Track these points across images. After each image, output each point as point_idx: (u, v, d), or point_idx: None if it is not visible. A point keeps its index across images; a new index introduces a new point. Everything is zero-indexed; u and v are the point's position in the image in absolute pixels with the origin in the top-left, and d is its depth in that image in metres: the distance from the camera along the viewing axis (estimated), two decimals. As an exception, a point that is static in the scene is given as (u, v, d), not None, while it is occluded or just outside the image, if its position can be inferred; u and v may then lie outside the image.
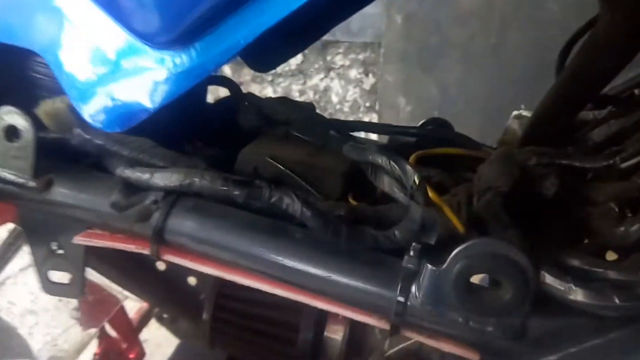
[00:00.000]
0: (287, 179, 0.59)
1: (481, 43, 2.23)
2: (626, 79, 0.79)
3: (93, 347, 1.17)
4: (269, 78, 2.75)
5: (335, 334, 0.64)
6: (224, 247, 0.46)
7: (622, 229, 0.45)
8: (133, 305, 1.31)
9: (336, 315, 0.64)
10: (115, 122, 0.42)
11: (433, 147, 0.68)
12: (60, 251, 0.54)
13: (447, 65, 2.34)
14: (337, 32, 2.43)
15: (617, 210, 0.49)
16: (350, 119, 2.76)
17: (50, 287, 0.55)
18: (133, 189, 0.48)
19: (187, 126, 0.66)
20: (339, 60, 2.68)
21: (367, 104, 2.70)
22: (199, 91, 0.74)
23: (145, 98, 0.41)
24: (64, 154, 0.51)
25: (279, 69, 2.65)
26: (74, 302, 1.06)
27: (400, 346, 0.61)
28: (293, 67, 2.71)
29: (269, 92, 2.72)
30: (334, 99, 2.75)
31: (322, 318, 0.64)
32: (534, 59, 2.06)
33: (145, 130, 0.48)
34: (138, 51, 0.40)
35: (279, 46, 0.62)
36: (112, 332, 1.14)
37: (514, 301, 0.40)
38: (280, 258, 0.46)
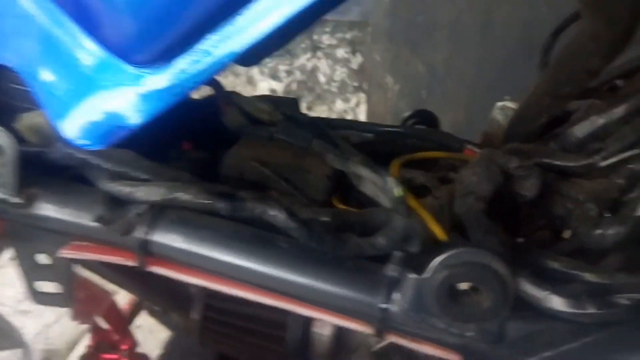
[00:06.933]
0: (272, 182, 0.59)
1: (468, 21, 2.21)
2: (609, 68, 0.80)
3: (86, 339, 1.18)
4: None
5: (323, 330, 0.65)
6: (209, 259, 0.47)
7: (600, 231, 0.47)
8: (125, 295, 1.32)
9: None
10: (95, 140, 0.42)
11: (418, 144, 0.68)
12: (47, 262, 0.54)
13: (435, 44, 2.32)
14: (323, 11, 2.39)
15: (595, 210, 0.51)
16: (338, 99, 2.74)
17: (38, 297, 0.55)
18: (117, 201, 0.49)
19: (171, 127, 0.65)
20: (325, 39, 2.65)
21: (355, 84, 2.69)
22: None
23: (124, 116, 0.41)
24: (47, 166, 0.50)
25: (265, 50, 2.61)
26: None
27: (386, 342, 0.62)
28: (279, 47, 2.65)
29: (255, 72, 2.69)
30: (322, 79, 2.73)
31: (311, 315, 0.65)
32: (521, 37, 2.04)
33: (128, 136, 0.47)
34: (116, 69, 0.40)
35: (262, 42, 0.62)
36: (104, 325, 1.15)
37: (493, 308, 0.41)
38: (266, 268, 0.46)
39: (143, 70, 0.40)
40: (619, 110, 0.60)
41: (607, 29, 0.45)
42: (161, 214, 0.48)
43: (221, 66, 0.39)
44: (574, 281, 0.45)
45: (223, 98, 0.71)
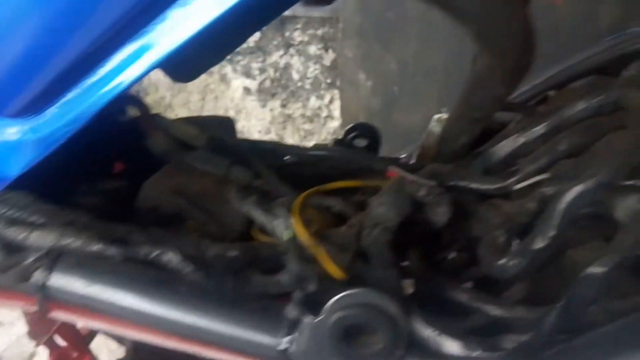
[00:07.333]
0: (189, 214, 0.58)
1: (439, 16, 2.18)
2: (541, 79, 0.79)
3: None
4: (228, 57, 2.67)
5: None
6: (108, 304, 0.46)
7: (501, 262, 0.46)
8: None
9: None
10: (-26, 192, 0.41)
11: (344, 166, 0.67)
12: (-45, 306, 0.53)
13: (405, 39, 2.30)
14: (294, 7, 2.36)
15: (504, 237, 0.50)
16: (312, 96, 2.72)
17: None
18: (15, 247, 0.47)
19: (99, 151, 0.64)
20: (297, 36, 2.62)
21: (328, 81, 2.66)
22: (108, 113, 0.71)
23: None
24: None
25: (237, 47, 2.57)
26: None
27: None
28: (251, 44, 2.63)
29: (228, 71, 2.66)
30: (295, 76, 2.70)
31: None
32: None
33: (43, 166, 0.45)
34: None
35: (198, 56, 0.60)
36: (61, 343, 1.14)
37: (387, 349, 0.41)
38: (163, 311, 0.45)
39: (13, 122, 0.39)
40: (539, 129, 0.59)
41: (499, 62, 0.45)
42: (59, 258, 0.47)
43: (91, 115, 0.38)
44: (475, 313, 0.45)
45: (147, 121, 0.69)
